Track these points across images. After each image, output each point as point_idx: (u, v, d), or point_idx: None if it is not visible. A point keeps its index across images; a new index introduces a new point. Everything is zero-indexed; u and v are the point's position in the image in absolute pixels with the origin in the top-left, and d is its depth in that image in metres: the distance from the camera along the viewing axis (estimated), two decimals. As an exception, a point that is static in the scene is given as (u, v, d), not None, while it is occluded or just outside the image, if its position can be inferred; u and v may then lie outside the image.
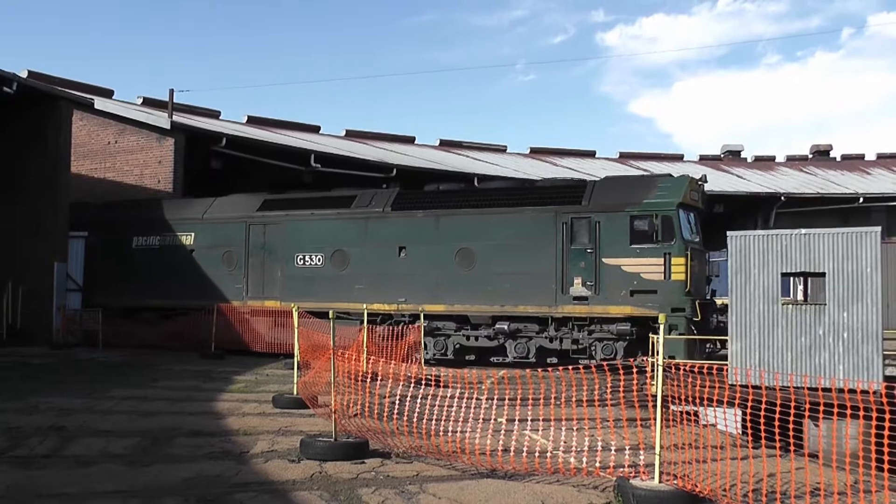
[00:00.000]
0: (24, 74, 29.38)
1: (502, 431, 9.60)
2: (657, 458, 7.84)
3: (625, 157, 54.35)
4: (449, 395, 10.26)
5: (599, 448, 9.20)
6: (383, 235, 21.48)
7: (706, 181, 20.31)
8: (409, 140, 49.91)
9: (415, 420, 9.95)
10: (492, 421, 10.03)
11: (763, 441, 8.05)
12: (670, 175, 20.44)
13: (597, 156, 54.44)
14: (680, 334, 17.69)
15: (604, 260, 18.95)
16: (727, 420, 10.00)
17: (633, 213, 18.79)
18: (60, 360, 20.66)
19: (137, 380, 16.75)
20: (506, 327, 19.76)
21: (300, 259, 22.57)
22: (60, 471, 8.65)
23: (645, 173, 44.78)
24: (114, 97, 37.02)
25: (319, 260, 22.35)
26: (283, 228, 22.91)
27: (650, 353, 18.30)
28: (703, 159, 56.00)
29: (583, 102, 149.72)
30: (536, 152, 52.91)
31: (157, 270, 24.50)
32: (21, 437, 10.28)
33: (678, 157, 56.13)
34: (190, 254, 24.18)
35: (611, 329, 18.85)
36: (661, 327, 8.28)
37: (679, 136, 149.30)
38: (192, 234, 24.26)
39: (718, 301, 20.82)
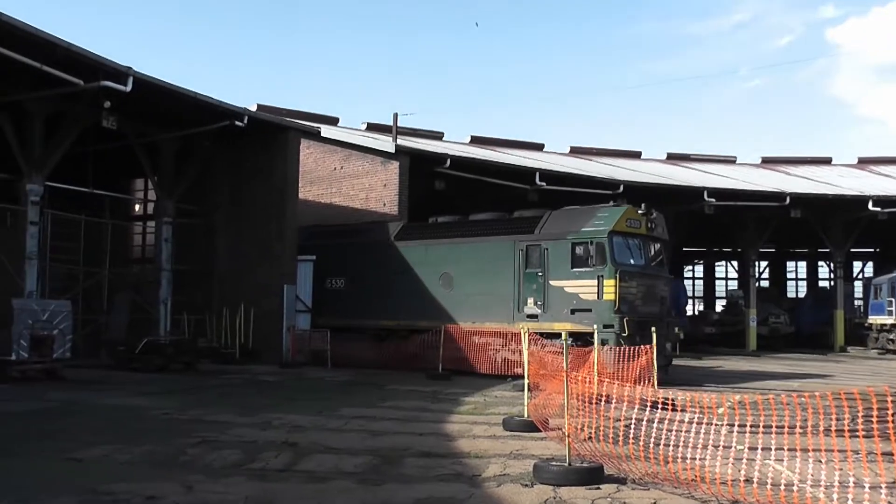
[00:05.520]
0: (253, 107, 31.09)
1: (743, 460, 8.72)
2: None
3: (864, 162, 50.81)
4: (686, 420, 9.46)
5: (851, 484, 8.12)
6: (388, 262, 24.87)
7: (648, 211, 21.78)
8: (636, 155, 48.88)
9: (651, 445, 9.23)
10: (732, 448, 9.15)
11: None
12: (617, 205, 22.19)
13: (833, 163, 51.24)
14: (610, 348, 19.25)
15: (550, 282, 21.32)
16: None
17: (574, 240, 21.04)
18: (290, 378, 21.26)
19: (365, 399, 16.85)
20: (476, 340, 22.06)
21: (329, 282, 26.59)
22: (295, 485, 8.61)
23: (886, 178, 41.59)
24: (339, 124, 38.42)
25: (342, 283, 25.84)
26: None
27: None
28: (953, 162, 51.39)
29: (813, 106, 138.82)
30: (768, 162, 50.49)
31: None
32: (256, 451, 10.39)
33: (922, 161, 51.82)
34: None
35: (556, 343, 19.53)
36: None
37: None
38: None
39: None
